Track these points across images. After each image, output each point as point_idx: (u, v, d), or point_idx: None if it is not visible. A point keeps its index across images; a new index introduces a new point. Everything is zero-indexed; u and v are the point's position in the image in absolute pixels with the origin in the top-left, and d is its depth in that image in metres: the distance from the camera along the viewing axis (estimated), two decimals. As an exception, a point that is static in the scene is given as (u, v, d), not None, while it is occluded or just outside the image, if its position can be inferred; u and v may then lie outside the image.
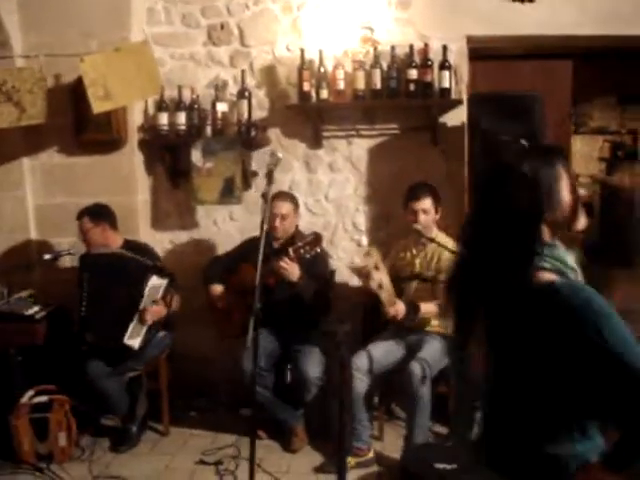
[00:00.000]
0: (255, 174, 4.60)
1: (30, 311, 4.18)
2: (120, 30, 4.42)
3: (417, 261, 3.99)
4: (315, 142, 4.59)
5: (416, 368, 3.67)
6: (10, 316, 4.13)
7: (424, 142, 4.47)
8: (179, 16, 4.62)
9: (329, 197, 4.63)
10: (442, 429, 4.18)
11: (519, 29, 4.30)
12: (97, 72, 4.00)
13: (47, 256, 4.08)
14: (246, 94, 4.49)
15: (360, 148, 4.58)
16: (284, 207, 4.14)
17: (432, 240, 3.85)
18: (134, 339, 3.97)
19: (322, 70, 4.38)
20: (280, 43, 4.56)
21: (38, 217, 4.65)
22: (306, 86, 4.39)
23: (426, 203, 3.91)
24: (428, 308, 3.83)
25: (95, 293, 4.02)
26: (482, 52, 4.43)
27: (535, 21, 4.27)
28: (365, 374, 3.86)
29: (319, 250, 3.83)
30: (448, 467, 3.17)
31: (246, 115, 4.49)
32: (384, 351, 3.94)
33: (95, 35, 4.40)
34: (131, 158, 4.56)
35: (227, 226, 4.76)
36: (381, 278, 3.74)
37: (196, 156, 4.46)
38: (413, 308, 3.80)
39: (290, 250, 3.84)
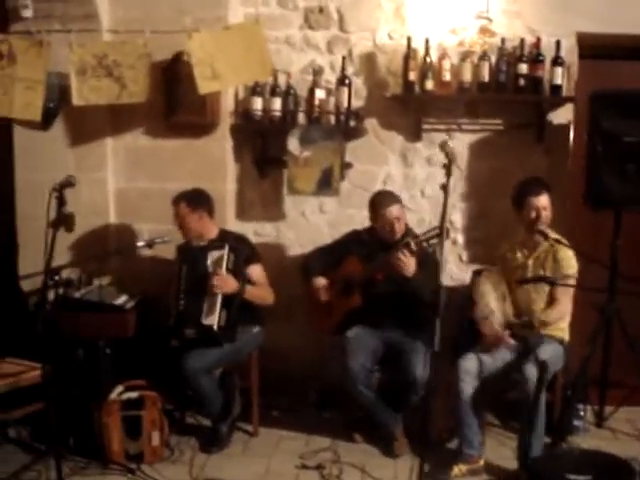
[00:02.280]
0: (349, 166, 4.40)
1: (119, 301, 3.97)
2: (217, 8, 4.20)
3: (530, 262, 3.81)
4: (414, 135, 4.41)
5: (532, 372, 3.50)
6: (99, 306, 3.90)
7: (527, 140, 4.31)
8: (276, -3, 4.42)
9: (425, 193, 4.45)
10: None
11: (632, 28, 4.15)
12: (204, 51, 3.78)
13: (141, 243, 3.83)
14: (347, 81, 4.30)
15: (460, 143, 4.39)
16: (395, 209, 3.92)
17: (558, 241, 3.68)
18: (210, 316, 3.73)
19: (428, 60, 4.21)
20: (382, 30, 4.37)
21: (118, 201, 4.42)
22: (411, 76, 4.21)
23: (545, 199, 3.73)
24: (548, 318, 3.68)
25: (193, 287, 3.80)
26: (592, 50, 4.26)
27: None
28: (474, 378, 3.69)
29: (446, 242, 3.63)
30: (581, 478, 3.04)
31: (345, 103, 4.30)
32: (494, 353, 3.77)
33: (189, 12, 4.18)
34: (222, 143, 4.35)
35: (316, 218, 4.57)
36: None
37: (293, 144, 4.26)
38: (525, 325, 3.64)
39: (412, 242, 3.65)
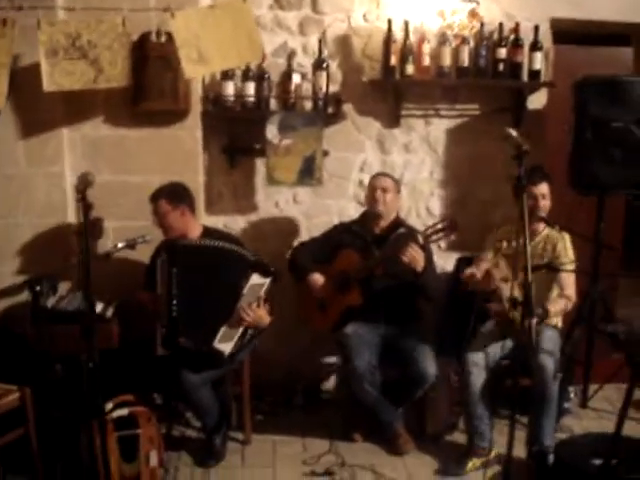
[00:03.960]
0: (326, 153, 4.20)
1: (98, 309, 3.57)
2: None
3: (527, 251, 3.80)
4: (391, 121, 4.27)
5: (549, 362, 3.50)
6: (76, 316, 3.49)
7: (503, 125, 4.26)
8: (244, -26, 4.11)
9: (403, 179, 4.32)
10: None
11: (605, 14, 4.22)
12: (189, 31, 3.45)
13: (120, 244, 3.45)
14: (324, 65, 4.08)
15: (438, 129, 4.31)
16: (385, 181, 3.82)
17: (564, 229, 3.67)
18: (225, 343, 3.44)
19: (408, 44, 4.07)
20: (356, 12, 4.18)
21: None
22: (393, 60, 4.06)
23: (544, 188, 3.72)
24: (557, 307, 3.67)
25: (188, 291, 3.47)
26: (565, 35, 4.29)
27: (621, 6, 4.21)
28: (483, 369, 3.64)
29: (453, 237, 3.54)
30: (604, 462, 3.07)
31: (324, 88, 4.09)
32: (496, 344, 3.73)
33: (155, -12, 3.81)
34: (194, 132, 4.00)
35: (291, 209, 4.34)
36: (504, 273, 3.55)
37: (272, 132, 4.00)
38: (542, 313, 3.61)
39: (419, 235, 3.52)
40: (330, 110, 4.14)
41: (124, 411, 3.38)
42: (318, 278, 3.80)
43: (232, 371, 3.73)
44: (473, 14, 4.04)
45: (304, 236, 4.32)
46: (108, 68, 3.42)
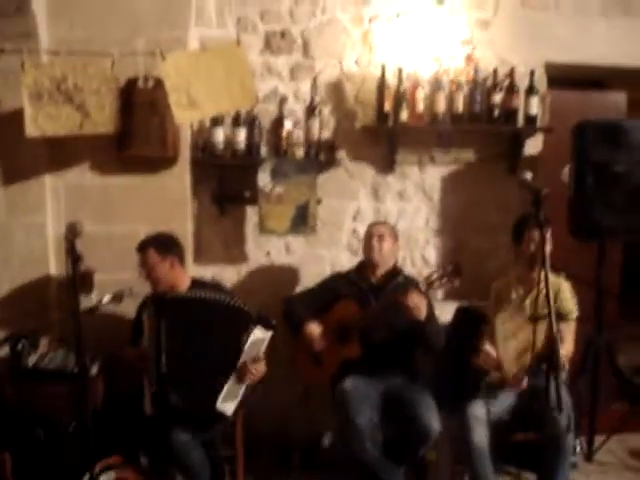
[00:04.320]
0: (319, 201, 4.07)
1: (80, 366, 3.35)
2: (175, 29, 3.73)
3: (527, 302, 3.66)
4: (386, 167, 4.17)
5: (562, 416, 3.34)
6: (57, 374, 3.28)
7: (500, 171, 4.21)
8: (233, 19, 4.02)
9: (398, 228, 4.19)
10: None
11: (599, 58, 4.19)
12: (180, 75, 3.34)
13: (106, 298, 3.27)
14: (316, 111, 3.99)
15: (433, 176, 4.22)
16: (381, 229, 3.71)
17: (571, 277, 3.55)
18: (229, 402, 3.26)
19: (402, 90, 3.99)
20: (348, 57, 4.11)
21: (60, 249, 3.78)
22: (387, 106, 3.98)
23: (548, 232, 3.61)
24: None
25: (178, 346, 3.28)
26: (559, 79, 4.25)
27: (614, 50, 4.19)
28: (484, 425, 3.47)
29: (458, 284, 3.40)
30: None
31: (316, 135, 3.99)
32: (499, 396, 3.57)
33: (142, 31, 3.69)
34: (182, 180, 3.86)
35: (282, 259, 4.18)
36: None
37: (264, 179, 3.88)
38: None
39: (421, 282, 3.38)
40: (323, 157, 4.02)
41: (111, 475, 3.17)
42: (315, 329, 3.63)
43: (223, 429, 3.52)
44: (470, 59, 3.97)
45: (296, 287, 4.16)
46: (95, 113, 3.28)
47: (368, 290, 3.67)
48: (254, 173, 3.95)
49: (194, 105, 3.33)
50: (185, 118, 3.39)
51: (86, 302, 3.63)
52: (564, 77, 4.32)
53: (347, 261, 4.16)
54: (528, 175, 2.60)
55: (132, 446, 3.36)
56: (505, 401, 3.55)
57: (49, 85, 3.20)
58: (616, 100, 4.49)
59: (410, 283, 3.56)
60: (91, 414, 3.21)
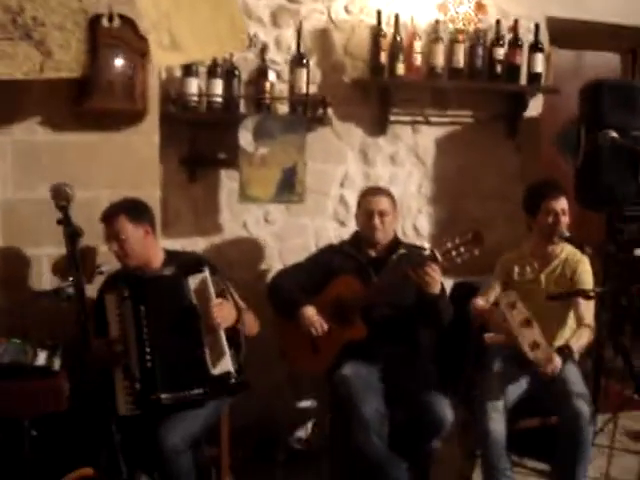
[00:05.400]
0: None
1: (40, 359, 2.79)
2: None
3: (542, 277, 3.33)
4: (376, 128, 3.75)
5: (583, 406, 3.04)
6: (14, 370, 2.70)
7: (499, 134, 3.87)
8: (207, -46, 3.47)
9: (389, 194, 3.80)
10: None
11: (603, 15, 3.88)
12: (159, 11, 2.78)
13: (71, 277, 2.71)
14: (303, 61, 3.51)
15: (427, 138, 3.82)
16: (382, 202, 3.26)
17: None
18: (222, 361, 2.74)
19: (399, 39, 3.56)
20: (337, 2, 3.64)
21: (5, 218, 3.19)
22: (382, 57, 3.55)
23: (564, 202, 3.27)
24: (583, 341, 3.22)
25: (162, 334, 2.77)
26: (561, 36, 3.92)
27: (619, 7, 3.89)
28: (502, 415, 3.14)
29: (477, 253, 3.01)
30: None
31: (304, 88, 3.51)
32: (512, 383, 3.25)
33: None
34: (151, 137, 3.30)
35: (261, 230, 3.71)
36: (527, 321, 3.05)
37: (246, 138, 3.38)
38: (565, 354, 3.15)
39: (437, 253, 2.98)
40: (309, 115, 3.55)
41: (82, 490, 2.66)
42: (313, 312, 3.18)
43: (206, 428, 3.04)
44: (479, 6, 3.56)
45: (277, 261, 3.71)
46: (58, 52, 2.68)
47: (367, 264, 3.26)
48: (231, 132, 3.45)
49: (177, 46, 2.79)
50: (166, 60, 2.88)
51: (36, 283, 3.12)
52: (563, 35, 4.01)
53: (333, 231, 3.76)
54: (613, 133, 2.21)
55: (107, 454, 2.86)
56: (518, 386, 3.23)
57: (3, 17, 2.58)
58: (609, 61, 4.23)
59: (413, 254, 3.19)
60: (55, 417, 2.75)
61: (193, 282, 2.80)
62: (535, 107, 3.88)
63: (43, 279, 3.23)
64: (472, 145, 3.85)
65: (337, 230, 3.74)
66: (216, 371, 2.74)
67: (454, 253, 3.00)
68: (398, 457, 3.14)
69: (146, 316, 2.77)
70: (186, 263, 2.96)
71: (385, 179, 3.80)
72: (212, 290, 2.79)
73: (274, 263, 3.71)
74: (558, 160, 3.77)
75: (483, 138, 3.85)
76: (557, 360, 3.02)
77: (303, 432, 3.83)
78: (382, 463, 3.11)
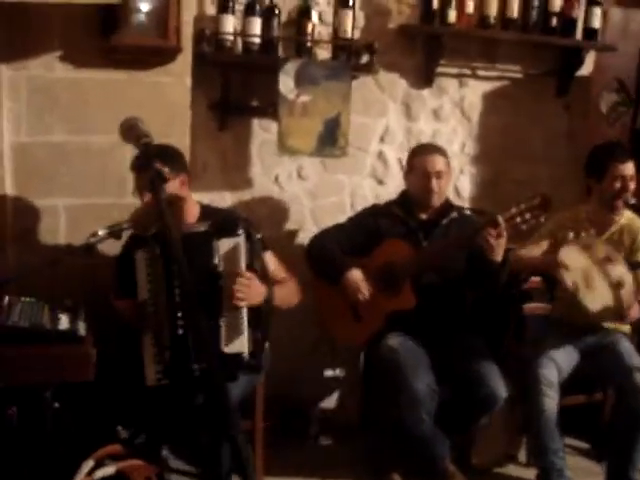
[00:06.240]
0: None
1: (63, 323, 2.50)
2: None
3: (598, 244, 3.11)
4: (422, 80, 3.45)
5: (641, 381, 2.87)
6: (34, 335, 2.40)
7: (549, 92, 3.61)
8: None
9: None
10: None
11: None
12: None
13: (102, 232, 2.42)
14: (350, 3, 3.19)
15: (474, 92, 3.55)
16: (439, 162, 3.00)
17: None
18: (237, 341, 2.47)
19: (451, -16, 3.27)
20: (385, -63, 3.32)
21: (19, 163, 2.85)
22: (435, 3, 3.25)
23: (632, 167, 3.04)
24: None
25: (193, 299, 2.48)
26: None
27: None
28: (557, 390, 2.95)
29: (543, 220, 2.78)
30: None
31: (349, 32, 3.20)
32: (565, 357, 3.05)
33: None
34: (183, 79, 2.99)
35: (293, 186, 3.42)
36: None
37: (287, 84, 3.06)
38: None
39: (499, 218, 2.73)
40: (354, 61, 3.25)
41: (111, 469, 2.40)
42: (360, 277, 2.93)
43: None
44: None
45: (308, 221, 3.43)
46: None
47: (418, 228, 3.01)
48: (266, 77, 3.14)
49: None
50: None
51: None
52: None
53: (370, 190, 3.48)
54: None
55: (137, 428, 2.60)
56: (571, 360, 3.04)
57: None
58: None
59: (466, 219, 3.03)
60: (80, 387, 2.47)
61: (223, 246, 2.49)
62: (587, 65, 3.62)
63: (59, 233, 2.94)
64: (520, 102, 3.58)
65: (375, 189, 3.47)
66: (228, 349, 2.46)
67: (519, 219, 2.76)
68: (442, 433, 2.95)
69: (179, 276, 2.47)
70: (221, 222, 2.66)
71: (427, 135, 3.52)
72: (243, 259, 2.49)
73: (306, 223, 3.43)
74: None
75: (532, 96, 3.58)
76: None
77: (330, 403, 3.62)
78: (427, 439, 2.92)
